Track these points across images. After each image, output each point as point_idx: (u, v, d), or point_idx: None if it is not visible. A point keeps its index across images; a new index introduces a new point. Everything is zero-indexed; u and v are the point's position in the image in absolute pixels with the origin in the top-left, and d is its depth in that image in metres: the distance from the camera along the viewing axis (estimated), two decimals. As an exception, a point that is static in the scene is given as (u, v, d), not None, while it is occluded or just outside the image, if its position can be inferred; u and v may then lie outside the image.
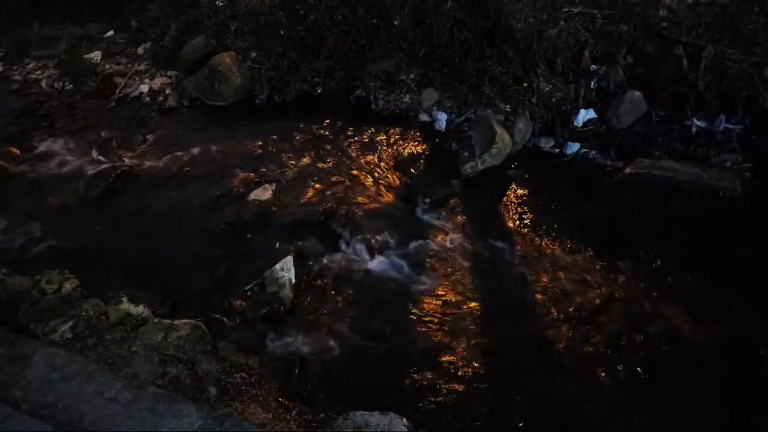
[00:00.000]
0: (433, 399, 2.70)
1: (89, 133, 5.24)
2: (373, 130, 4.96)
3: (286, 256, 3.44)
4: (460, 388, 2.75)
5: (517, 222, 3.90)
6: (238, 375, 2.68)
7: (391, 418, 2.42)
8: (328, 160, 4.59)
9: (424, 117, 5.08)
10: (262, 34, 5.75)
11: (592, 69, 4.65)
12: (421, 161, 4.60)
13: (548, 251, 3.60)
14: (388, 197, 4.16)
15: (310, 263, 3.53)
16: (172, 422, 2.25)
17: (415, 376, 2.82)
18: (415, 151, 4.72)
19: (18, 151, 5.02)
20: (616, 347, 2.94)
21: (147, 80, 6.11)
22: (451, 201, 4.10)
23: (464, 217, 3.95)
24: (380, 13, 5.38)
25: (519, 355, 2.95)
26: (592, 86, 4.63)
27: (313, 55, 5.62)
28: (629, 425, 2.60)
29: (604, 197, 4.08)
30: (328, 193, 4.16)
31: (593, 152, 4.48)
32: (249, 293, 3.30)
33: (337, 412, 2.50)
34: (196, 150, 4.86)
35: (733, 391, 2.69)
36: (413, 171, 4.48)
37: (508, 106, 4.67)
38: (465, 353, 2.93)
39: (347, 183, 4.28)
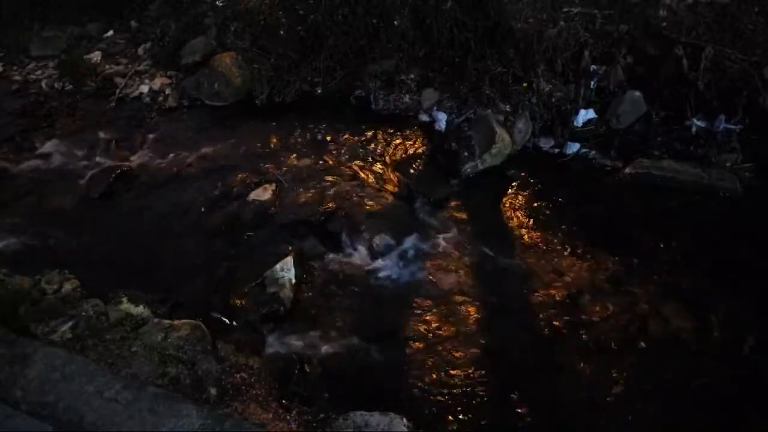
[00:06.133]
0: (433, 399, 2.70)
1: (89, 133, 5.23)
2: (373, 130, 4.96)
3: (286, 256, 3.45)
4: (460, 388, 2.75)
5: (517, 222, 3.90)
6: (238, 375, 2.68)
7: (391, 418, 2.42)
8: (328, 160, 4.59)
9: (424, 117, 5.08)
10: (262, 34, 5.75)
11: (592, 69, 4.65)
12: (421, 161, 4.60)
13: (548, 251, 3.60)
14: (388, 197, 4.16)
15: (310, 263, 3.53)
16: (172, 422, 2.25)
17: (415, 376, 2.82)
18: (415, 151, 4.71)
19: (18, 151, 5.02)
20: (616, 347, 2.94)
21: (147, 80, 6.10)
22: (451, 201, 4.10)
23: (464, 217, 3.95)
24: (380, 13, 5.37)
25: (519, 355, 2.95)
26: (592, 86, 4.62)
27: (313, 55, 5.61)
28: (629, 425, 2.60)
29: (604, 197, 4.08)
30: (328, 193, 4.15)
31: (593, 152, 4.47)
32: (249, 293, 3.30)
33: (337, 412, 2.51)
34: (196, 150, 4.85)
35: (733, 391, 2.69)
36: (413, 171, 4.48)
37: (508, 106, 4.67)
38: (465, 353, 2.94)
39: (347, 183, 4.28)
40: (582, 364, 2.86)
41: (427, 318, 3.16)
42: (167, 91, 5.85)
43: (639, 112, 4.49)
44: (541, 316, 3.16)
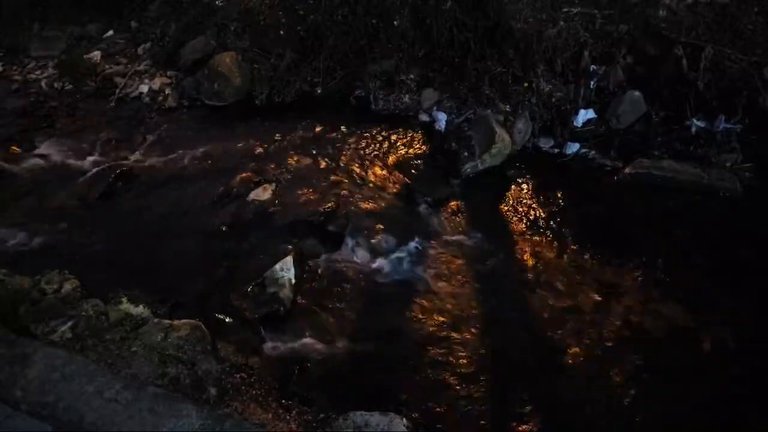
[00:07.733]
0: (433, 399, 2.70)
1: (89, 133, 5.23)
2: (373, 130, 4.96)
3: (286, 256, 3.45)
4: (460, 388, 2.75)
5: (517, 222, 3.90)
6: (238, 375, 2.68)
7: (391, 418, 2.43)
8: (328, 160, 4.59)
9: (424, 117, 5.08)
10: (262, 34, 5.75)
11: (591, 69, 4.65)
12: (421, 161, 4.60)
13: (548, 251, 3.60)
14: (388, 197, 4.16)
15: (310, 263, 3.54)
16: (172, 422, 2.25)
17: (415, 376, 2.82)
18: (415, 151, 4.71)
19: (18, 151, 5.02)
20: (616, 347, 2.94)
21: (147, 80, 6.10)
22: (451, 201, 4.10)
23: (464, 218, 3.95)
24: (380, 13, 5.37)
25: (519, 355, 2.95)
26: (591, 86, 4.63)
27: (313, 55, 5.62)
28: (629, 425, 2.60)
29: (604, 197, 4.08)
30: (328, 193, 4.16)
31: (593, 152, 4.47)
32: (249, 293, 3.30)
33: (337, 412, 2.51)
34: (195, 150, 4.85)
35: (733, 391, 2.70)
36: (413, 171, 4.48)
37: (508, 106, 4.67)
38: (465, 353, 2.94)
39: (347, 183, 4.28)
40: (582, 364, 2.86)
41: (427, 318, 3.16)
42: (167, 91, 5.85)
43: (639, 112, 4.49)
44: (540, 316, 3.16)
